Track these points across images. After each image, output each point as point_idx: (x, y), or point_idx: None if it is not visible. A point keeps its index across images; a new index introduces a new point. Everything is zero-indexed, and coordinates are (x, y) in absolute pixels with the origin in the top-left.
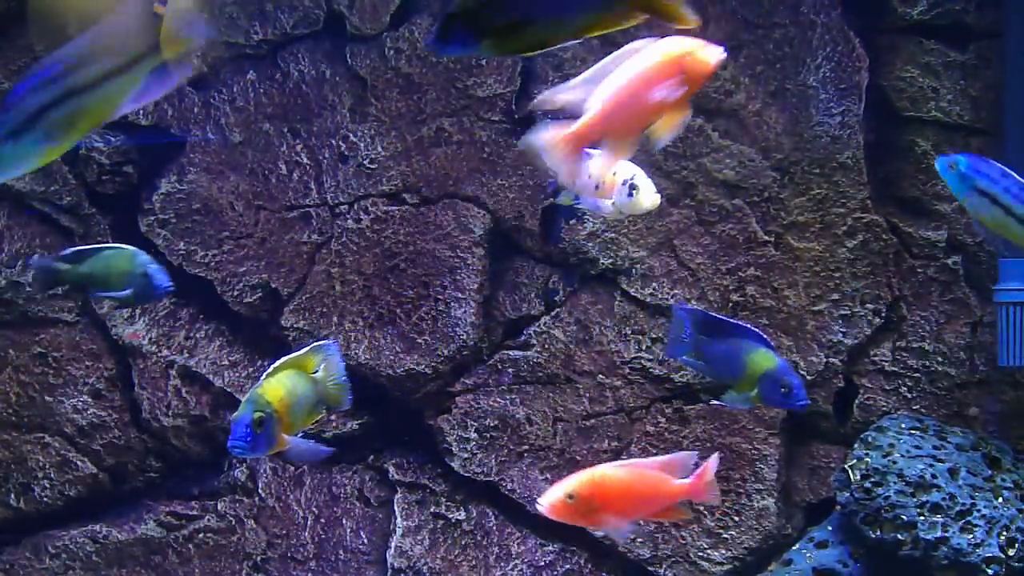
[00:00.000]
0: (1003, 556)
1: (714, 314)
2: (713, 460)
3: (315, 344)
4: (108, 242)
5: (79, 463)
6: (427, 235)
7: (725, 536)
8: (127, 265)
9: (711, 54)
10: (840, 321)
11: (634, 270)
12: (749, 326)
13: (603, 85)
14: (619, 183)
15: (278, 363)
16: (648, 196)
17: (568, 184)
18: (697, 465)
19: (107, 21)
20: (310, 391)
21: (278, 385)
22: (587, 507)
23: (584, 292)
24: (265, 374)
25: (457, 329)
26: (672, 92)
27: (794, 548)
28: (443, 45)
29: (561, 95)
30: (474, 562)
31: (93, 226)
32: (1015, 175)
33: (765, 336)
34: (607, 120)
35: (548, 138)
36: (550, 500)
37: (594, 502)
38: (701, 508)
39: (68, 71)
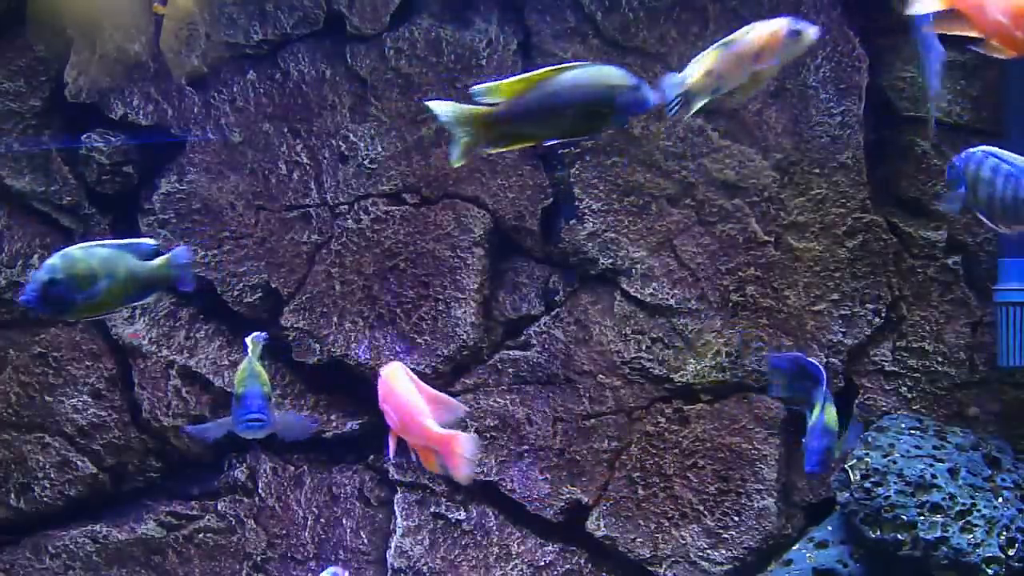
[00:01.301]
0: (1003, 556)
1: (803, 359)
2: (466, 439)
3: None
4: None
5: (79, 463)
6: (427, 235)
7: (725, 536)
8: None
9: None
10: (840, 321)
11: (634, 270)
12: (821, 370)
13: None
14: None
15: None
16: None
17: None
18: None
19: None
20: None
21: (260, 368)
22: None
23: (584, 292)
24: (251, 358)
25: (457, 329)
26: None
27: (794, 548)
28: None
29: None
30: (474, 562)
31: (93, 226)
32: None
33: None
34: None
35: None
36: None
37: None
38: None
39: None
